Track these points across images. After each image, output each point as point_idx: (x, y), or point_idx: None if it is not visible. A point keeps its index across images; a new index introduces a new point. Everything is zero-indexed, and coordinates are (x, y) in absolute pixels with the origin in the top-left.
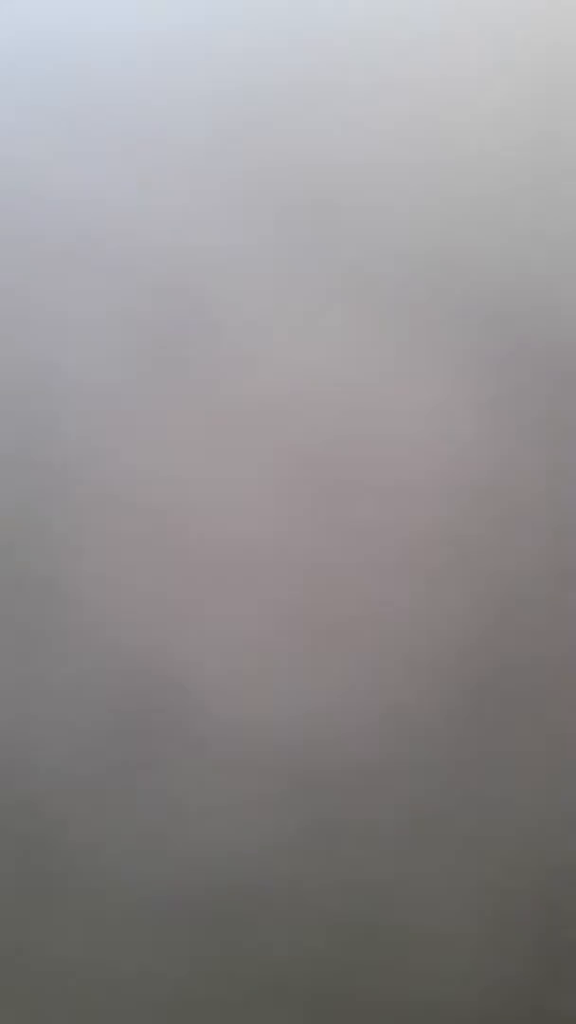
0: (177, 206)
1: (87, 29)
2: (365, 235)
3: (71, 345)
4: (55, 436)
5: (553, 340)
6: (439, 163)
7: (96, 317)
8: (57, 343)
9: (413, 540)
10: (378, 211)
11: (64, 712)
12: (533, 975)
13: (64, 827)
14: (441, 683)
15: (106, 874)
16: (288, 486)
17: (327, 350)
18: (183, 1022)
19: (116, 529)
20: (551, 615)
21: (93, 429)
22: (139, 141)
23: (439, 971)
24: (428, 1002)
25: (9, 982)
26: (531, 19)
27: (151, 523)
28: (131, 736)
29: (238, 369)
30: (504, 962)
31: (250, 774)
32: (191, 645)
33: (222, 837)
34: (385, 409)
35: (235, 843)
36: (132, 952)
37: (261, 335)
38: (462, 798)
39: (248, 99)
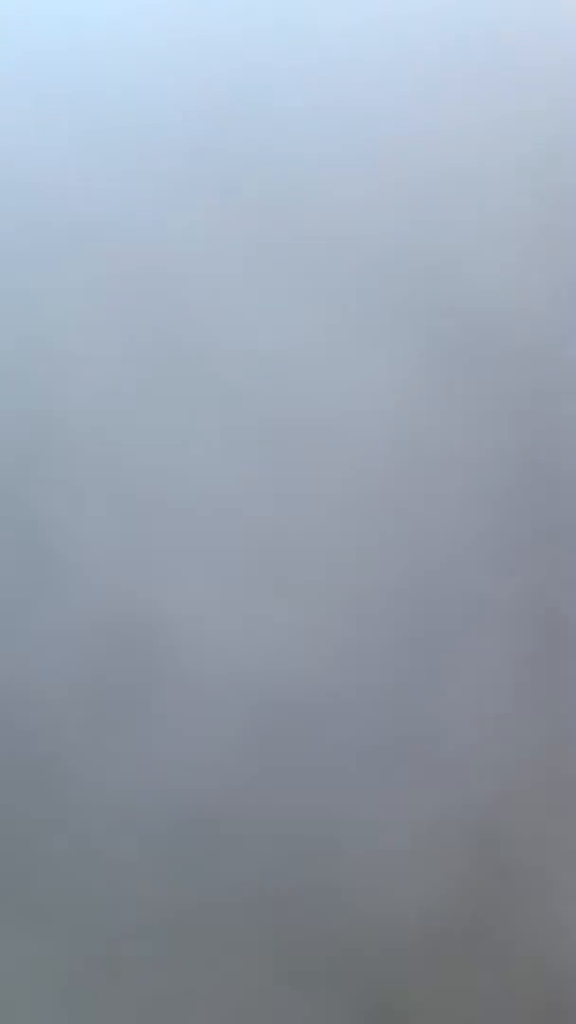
0: (159, 209)
1: (86, 40)
2: (324, 233)
3: (68, 329)
4: (48, 409)
5: (487, 328)
6: (391, 166)
7: (90, 307)
8: (55, 327)
9: (360, 502)
10: (336, 211)
11: (55, 654)
12: (462, 891)
13: (56, 758)
14: (383, 627)
15: (94, 799)
16: (251, 454)
17: (289, 335)
18: (163, 935)
19: (99, 494)
20: (481, 568)
21: (83, 404)
22: (127, 149)
23: (391, 890)
24: (368, 910)
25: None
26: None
27: (132, 488)
28: (113, 673)
29: (210, 353)
30: (447, 884)
31: (214, 709)
32: (165, 595)
33: (197, 761)
34: (339, 389)
35: (207, 768)
36: (117, 872)
37: (232, 325)
38: (407, 731)
39: (232, 111)
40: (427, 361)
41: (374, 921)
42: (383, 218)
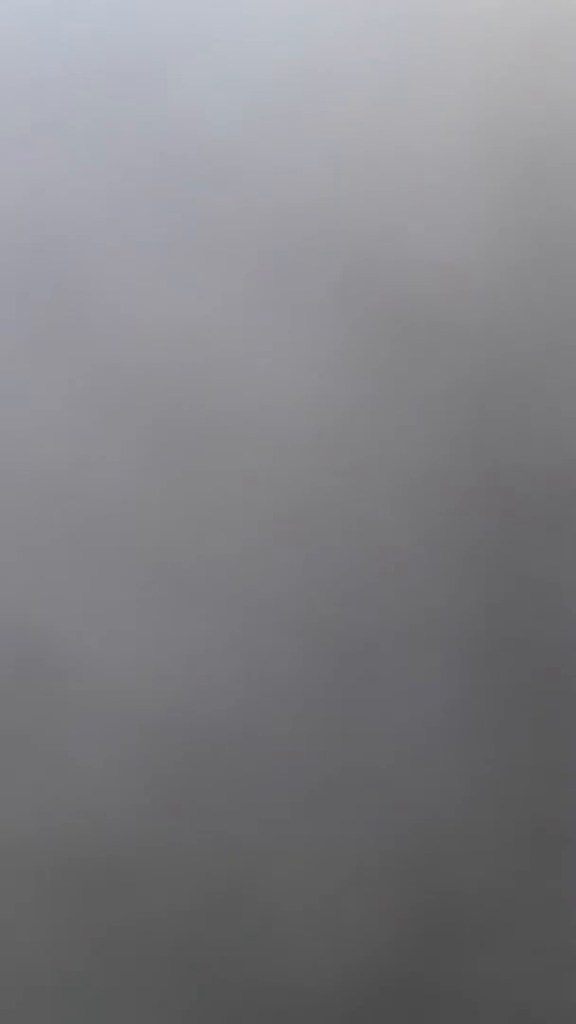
0: (38, 172)
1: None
2: (227, 191)
3: None
4: None
5: (411, 291)
6: (298, 116)
7: None
8: None
9: (280, 502)
10: (239, 166)
11: None
12: (403, 940)
13: None
14: (305, 643)
15: None
16: (152, 446)
17: (190, 306)
18: (50, 986)
19: None
20: (411, 571)
21: None
22: (29, 120)
23: (308, 934)
24: (297, 966)
25: None
26: None
27: (14, 487)
28: (4, 699)
29: (104, 330)
30: (373, 926)
31: (116, 735)
32: (59, 609)
33: (91, 798)
34: (255, 374)
35: (103, 804)
36: (10, 923)
37: (126, 296)
38: (333, 756)
39: (110, 61)
40: (356, 343)
41: (299, 970)
42: (304, 184)
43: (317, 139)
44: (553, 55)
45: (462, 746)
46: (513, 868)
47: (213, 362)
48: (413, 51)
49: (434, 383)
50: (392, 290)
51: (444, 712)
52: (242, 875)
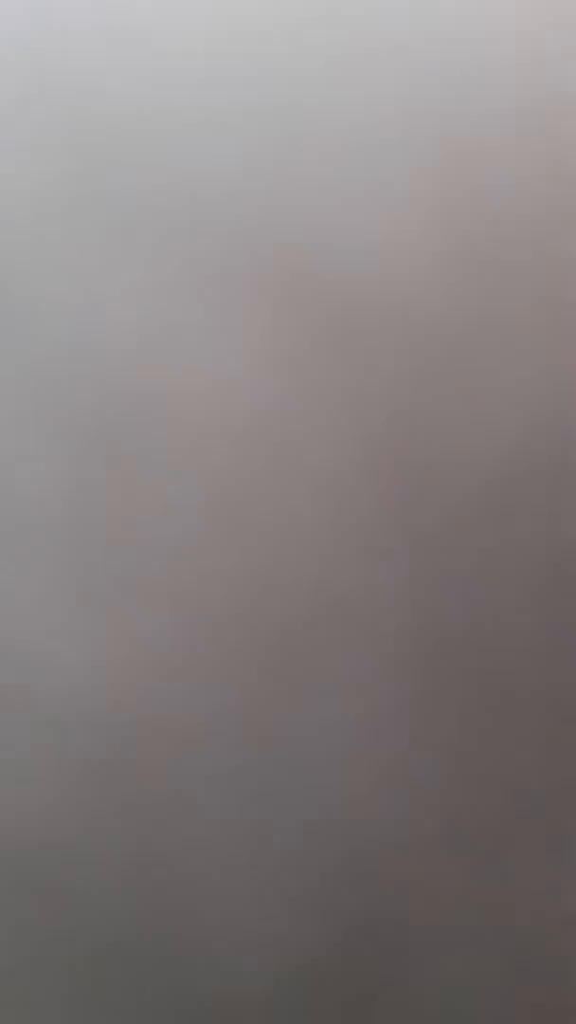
0: None
1: None
2: (144, 176)
3: None
4: None
5: (335, 276)
6: (215, 94)
7: None
8: None
9: (200, 488)
10: (157, 150)
11: None
12: (342, 942)
13: None
14: (235, 635)
15: None
16: (76, 436)
17: (109, 295)
18: None
19: None
20: (348, 570)
21: None
22: None
23: (247, 937)
24: (228, 967)
25: None
26: None
27: None
28: None
29: (25, 321)
30: (312, 929)
31: (46, 729)
32: None
33: (17, 794)
34: (170, 353)
35: (29, 799)
36: None
37: (47, 285)
38: (258, 755)
39: (29, 61)
40: (279, 329)
41: (236, 972)
42: (224, 167)
43: (237, 119)
44: (478, 38)
45: (399, 745)
46: (452, 872)
47: (135, 350)
48: (341, 34)
49: (360, 372)
50: (317, 276)
51: (378, 709)
52: (172, 874)
